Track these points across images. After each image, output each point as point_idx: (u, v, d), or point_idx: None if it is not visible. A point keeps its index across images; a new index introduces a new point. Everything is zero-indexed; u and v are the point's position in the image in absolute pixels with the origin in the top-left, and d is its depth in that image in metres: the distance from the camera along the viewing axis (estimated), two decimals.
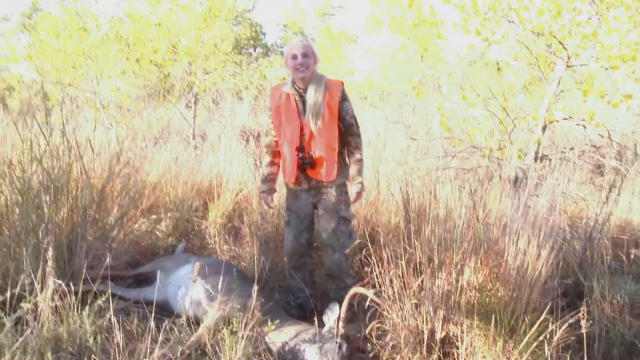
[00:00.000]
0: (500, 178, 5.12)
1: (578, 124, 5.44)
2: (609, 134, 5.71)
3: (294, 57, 4.17)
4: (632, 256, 5.34)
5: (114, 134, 8.06)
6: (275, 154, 4.55)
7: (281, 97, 4.32)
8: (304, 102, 4.25)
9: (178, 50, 9.50)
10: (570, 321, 3.22)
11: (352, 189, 4.32)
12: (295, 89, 4.27)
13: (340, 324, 3.69)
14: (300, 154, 4.23)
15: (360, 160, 4.34)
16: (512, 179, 5.15)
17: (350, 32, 25.30)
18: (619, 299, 4.17)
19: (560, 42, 5.16)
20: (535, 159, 5.29)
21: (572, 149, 5.69)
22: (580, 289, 4.51)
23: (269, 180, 4.59)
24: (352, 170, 4.34)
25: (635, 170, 7.55)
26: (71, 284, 3.28)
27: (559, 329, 3.23)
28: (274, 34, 46.71)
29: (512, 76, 5.94)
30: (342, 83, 4.34)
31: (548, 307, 3.34)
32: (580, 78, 5.84)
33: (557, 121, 5.37)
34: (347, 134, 4.33)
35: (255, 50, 26.23)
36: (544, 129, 5.29)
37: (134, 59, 9.46)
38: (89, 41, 9.20)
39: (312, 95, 4.17)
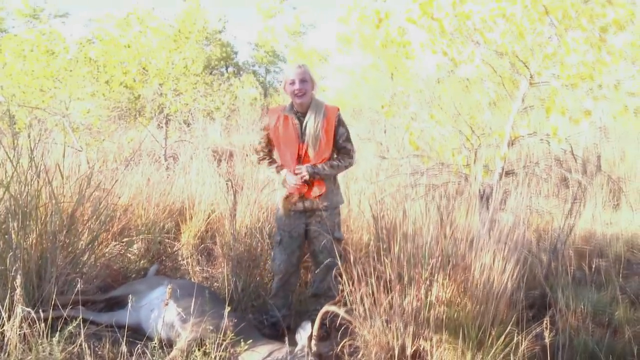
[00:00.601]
0: (468, 194, 5.19)
1: (542, 140, 5.53)
2: (572, 148, 5.81)
3: (292, 82, 4.29)
4: (595, 266, 5.45)
5: (84, 156, 8.01)
6: (271, 160, 4.64)
7: (279, 119, 4.42)
8: (301, 125, 4.36)
9: (148, 72, 9.49)
10: (535, 332, 3.30)
11: (302, 167, 4.33)
12: (294, 113, 4.39)
13: (313, 342, 3.72)
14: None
15: (336, 167, 4.40)
16: (479, 195, 5.23)
17: (321, 51, 25.42)
18: (583, 308, 4.26)
19: (522, 62, 5.26)
20: (501, 175, 5.37)
21: (537, 163, 5.79)
22: (546, 299, 4.59)
23: (279, 166, 4.56)
24: (325, 163, 4.37)
25: (598, 183, 7.73)
26: (40, 310, 3.26)
27: (525, 340, 3.31)
28: (245, 52, 46.77)
29: (479, 94, 6.02)
30: (338, 109, 4.46)
31: (514, 319, 3.41)
32: (543, 95, 5.96)
33: (522, 137, 5.46)
34: (340, 154, 4.46)
35: (227, 70, 26.25)
36: (509, 144, 5.38)
37: (103, 80, 9.38)
38: (57, 64, 9.11)
39: (312, 123, 4.30)
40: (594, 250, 6.22)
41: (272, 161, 4.64)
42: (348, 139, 4.46)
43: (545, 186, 7.21)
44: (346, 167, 4.49)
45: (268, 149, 4.62)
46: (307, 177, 4.27)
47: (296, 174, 4.31)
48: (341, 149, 4.44)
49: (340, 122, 4.41)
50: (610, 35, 5.37)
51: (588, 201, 6.80)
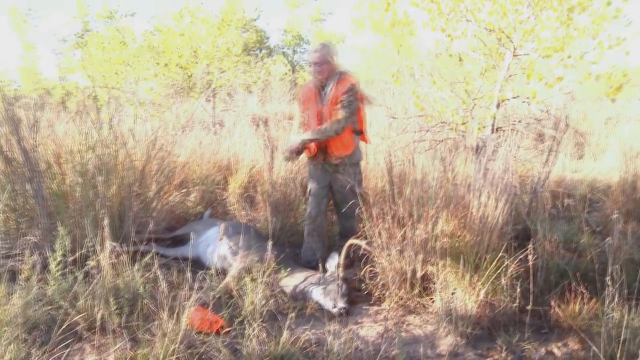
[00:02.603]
0: (465, 147, 5.11)
1: (524, 101, 5.44)
2: (547, 109, 5.72)
3: (310, 65, 4.24)
4: (565, 204, 5.42)
5: (149, 125, 8.02)
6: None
7: (307, 88, 4.39)
8: (321, 92, 4.29)
9: (198, 55, 9.50)
10: (520, 257, 3.27)
11: (292, 136, 4.33)
12: (317, 83, 4.30)
13: (340, 269, 3.71)
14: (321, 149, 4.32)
15: (322, 131, 4.14)
16: (474, 148, 5.14)
17: (338, 34, 25.14)
18: (556, 237, 4.23)
19: (507, 37, 5.15)
20: (492, 131, 5.28)
21: (519, 121, 5.69)
22: (528, 232, 4.54)
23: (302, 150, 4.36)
24: (313, 130, 4.21)
25: (567, 137, 7.59)
26: (123, 245, 3.28)
27: (513, 263, 3.27)
28: (275, 37, 46.41)
29: (471, 64, 5.90)
30: (353, 84, 4.20)
31: (504, 247, 3.37)
32: (523, 65, 5.87)
33: (508, 99, 5.38)
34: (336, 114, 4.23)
35: (260, 52, 26.07)
36: (498, 106, 5.28)
37: (163, 64, 9.50)
38: (127, 52, 9.31)
39: (329, 91, 4.22)
40: (565, 192, 6.15)
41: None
42: (345, 106, 4.15)
43: (526, 140, 7.10)
44: (333, 132, 4.15)
45: (305, 115, 4.49)
46: (294, 148, 4.21)
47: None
48: (338, 109, 4.18)
49: (348, 90, 4.14)
50: (576, 14, 5.29)
51: (560, 152, 6.68)
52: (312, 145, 4.30)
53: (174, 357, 2.54)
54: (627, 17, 5.38)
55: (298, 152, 4.28)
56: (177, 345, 2.56)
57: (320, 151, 4.34)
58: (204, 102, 10.35)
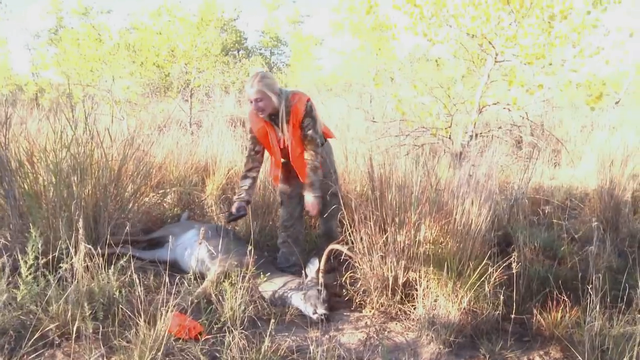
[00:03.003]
0: (449, 152, 5.10)
1: (504, 108, 5.45)
2: (527, 115, 5.75)
3: (250, 102, 3.88)
4: (545, 212, 5.44)
5: (125, 124, 7.88)
6: (252, 168, 4.21)
7: (259, 122, 4.05)
8: (276, 123, 4.01)
9: (176, 54, 9.37)
10: (504, 265, 3.25)
11: (308, 199, 4.01)
12: (269, 117, 3.99)
13: (320, 274, 3.66)
14: (287, 163, 4.16)
15: (315, 169, 3.99)
16: (457, 153, 5.14)
17: (317, 36, 25.08)
18: (536, 244, 4.22)
19: (490, 42, 5.15)
20: (473, 136, 5.28)
21: (500, 128, 5.70)
22: (509, 239, 4.55)
23: (242, 192, 4.17)
24: (307, 180, 4.01)
25: (545, 144, 7.64)
26: (98, 248, 3.17)
27: (496, 271, 3.25)
28: (253, 38, 46.25)
29: (452, 69, 5.91)
30: (308, 100, 3.97)
31: (488, 255, 3.35)
32: (504, 71, 5.90)
33: (489, 105, 5.38)
34: (305, 143, 4.03)
35: (238, 53, 25.94)
36: (479, 112, 5.28)
37: (139, 62, 9.34)
38: (103, 49, 9.15)
39: (284, 128, 3.97)
40: (542, 199, 6.17)
41: (245, 187, 4.17)
42: (312, 127, 3.98)
43: (505, 147, 7.13)
44: (319, 160, 4.01)
45: (255, 149, 4.19)
46: (318, 204, 4.01)
47: (312, 210, 4.03)
48: (305, 137, 3.98)
49: (307, 114, 3.93)
50: (557, 22, 5.33)
51: (538, 159, 6.73)
52: (278, 174, 4.21)
53: None
54: (605, 27, 5.44)
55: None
56: (154, 353, 2.47)
57: (290, 173, 4.21)
58: (181, 102, 10.23)
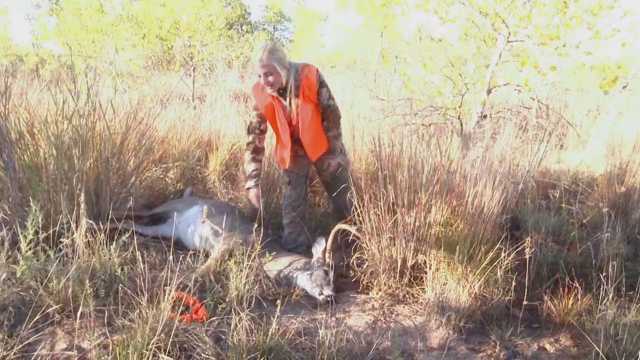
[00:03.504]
0: (457, 133, 4.98)
1: (515, 89, 5.33)
2: (537, 97, 5.62)
3: (259, 76, 3.69)
4: (553, 196, 5.34)
5: (127, 97, 7.73)
6: (258, 150, 4.12)
7: (266, 98, 3.86)
8: (284, 98, 3.84)
9: (179, 27, 9.17)
10: (515, 250, 3.17)
11: (331, 162, 4.03)
12: (277, 91, 3.81)
13: (327, 254, 3.58)
14: (295, 142, 3.96)
15: (338, 136, 4.03)
16: (468, 134, 5.02)
17: (321, 11, 24.79)
18: (545, 229, 4.13)
19: (503, 21, 5.00)
20: (481, 117, 5.17)
21: (509, 109, 5.58)
22: (517, 222, 4.47)
23: (254, 177, 4.10)
24: (331, 146, 4.00)
25: (554, 127, 7.52)
26: (100, 223, 3.08)
27: (508, 256, 3.16)
28: (257, 13, 45.73)
29: (460, 49, 5.76)
30: (317, 70, 3.82)
31: (501, 238, 3.27)
32: (515, 52, 5.76)
33: (499, 86, 5.25)
34: (325, 114, 3.94)
35: (241, 27, 25.63)
36: (488, 92, 5.16)
37: (142, 34, 9.17)
38: (106, 20, 8.93)
39: (293, 102, 3.80)
40: (549, 183, 6.07)
41: (253, 159, 4.10)
42: (331, 97, 3.91)
43: (514, 129, 7.01)
44: (338, 111, 4.01)
45: (260, 128, 4.06)
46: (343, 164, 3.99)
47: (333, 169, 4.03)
48: (326, 108, 3.90)
49: (321, 84, 3.81)
50: (572, 2, 5.19)
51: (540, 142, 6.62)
52: (285, 156, 4.00)
53: (155, 346, 2.36)
54: (622, 8, 5.29)
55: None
56: (158, 334, 2.39)
57: (298, 153, 4.05)
58: (184, 76, 10.07)
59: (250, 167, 4.09)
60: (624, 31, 5.21)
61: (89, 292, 2.58)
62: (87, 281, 2.63)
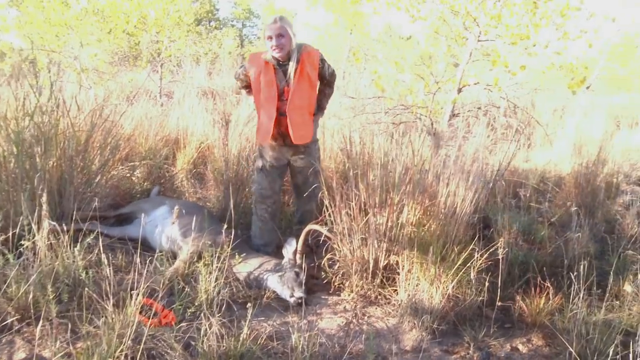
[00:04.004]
0: (428, 131, 4.96)
1: (485, 88, 5.34)
2: (507, 96, 5.65)
3: (270, 38, 3.63)
4: (522, 195, 5.39)
5: (92, 93, 7.52)
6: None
7: (261, 64, 3.79)
8: (283, 71, 3.77)
9: (147, 22, 8.94)
10: (487, 250, 3.16)
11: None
12: (275, 60, 3.75)
13: (297, 256, 3.51)
14: (280, 115, 3.80)
15: (329, 94, 4.15)
16: (440, 133, 5.02)
17: (290, 9, 24.61)
18: (515, 228, 4.15)
19: (474, 20, 5.00)
20: (451, 116, 5.17)
21: (479, 108, 5.60)
22: (487, 222, 4.47)
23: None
24: (323, 105, 4.15)
25: (523, 126, 7.59)
26: (63, 224, 2.95)
27: (482, 257, 3.14)
28: (225, 9, 45.26)
29: (431, 47, 5.75)
30: (318, 51, 3.86)
31: (474, 239, 3.25)
32: (486, 51, 5.79)
33: (469, 85, 5.26)
34: (327, 86, 4.06)
35: (209, 24, 25.33)
36: (459, 91, 5.16)
37: (108, 29, 8.92)
38: (70, 14, 8.63)
39: (293, 69, 3.72)
40: (518, 182, 6.12)
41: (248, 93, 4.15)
42: (332, 72, 4.02)
43: (484, 128, 7.06)
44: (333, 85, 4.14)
45: (247, 81, 4.03)
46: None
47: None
48: (331, 82, 4.06)
49: (323, 61, 3.87)
50: (541, 3, 5.24)
51: (517, 142, 6.67)
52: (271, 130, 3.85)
53: (121, 354, 2.26)
54: (588, 11, 5.35)
55: None
56: (124, 341, 2.29)
57: (280, 135, 3.90)
58: (151, 72, 9.86)
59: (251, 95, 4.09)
60: (590, 32, 5.28)
61: (51, 297, 2.47)
62: (49, 286, 2.52)
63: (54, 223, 2.80)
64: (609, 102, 13.71)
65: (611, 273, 3.30)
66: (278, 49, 3.63)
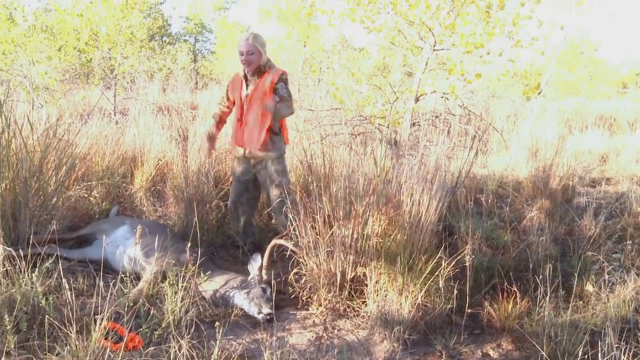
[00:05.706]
0: (392, 142, 5.00)
1: (442, 97, 5.43)
2: (463, 103, 5.75)
3: (241, 53, 4.03)
4: (482, 200, 5.47)
5: (44, 112, 7.32)
6: (221, 121, 4.47)
7: (237, 78, 4.25)
8: (247, 84, 4.16)
9: (99, 38, 8.77)
10: (453, 257, 3.19)
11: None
12: (244, 75, 4.17)
13: (263, 271, 3.48)
14: (240, 123, 4.19)
15: (285, 104, 4.05)
16: (393, 141, 5.06)
17: (243, 23, 24.59)
18: (478, 234, 4.21)
19: (430, 29, 5.08)
20: (410, 125, 5.23)
21: (437, 117, 5.67)
22: (451, 229, 4.51)
23: (212, 140, 4.43)
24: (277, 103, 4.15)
25: (481, 133, 7.73)
26: (19, 249, 2.84)
27: (449, 265, 3.17)
28: (177, 24, 44.86)
29: (388, 57, 5.82)
30: (283, 72, 4.15)
31: (441, 248, 3.28)
32: (441, 60, 5.88)
33: (426, 94, 5.33)
34: (281, 100, 4.05)
35: (162, 39, 25.04)
36: (416, 100, 5.22)
37: (58, 46, 8.73)
38: (17, 31, 8.41)
39: (252, 82, 4.12)
40: (477, 187, 6.22)
41: (216, 125, 4.46)
42: (286, 91, 4.08)
43: (441, 136, 7.15)
44: (291, 105, 4.12)
45: (227, 105, 4.40)
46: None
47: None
48: (282, 97, 4.04)
49: (280, 80, 4.06)
50: (494, 12, 5.36)
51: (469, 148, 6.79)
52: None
53: None
54: (537, 19, 5.51)
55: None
56: None
57: (242, 145, 4.19)
58: (105, 90, 9.67)
59: (211, 130, 4.41)
60: (541, 40, 5.42)
61: (8, 327, 2.37)
62: (6, 315, 2.41)
63: (10, 249, 2.71)
64: (559, 107, 14.12)
65: (575, 275, 3.38)
66: (247, 63, 4.04)
